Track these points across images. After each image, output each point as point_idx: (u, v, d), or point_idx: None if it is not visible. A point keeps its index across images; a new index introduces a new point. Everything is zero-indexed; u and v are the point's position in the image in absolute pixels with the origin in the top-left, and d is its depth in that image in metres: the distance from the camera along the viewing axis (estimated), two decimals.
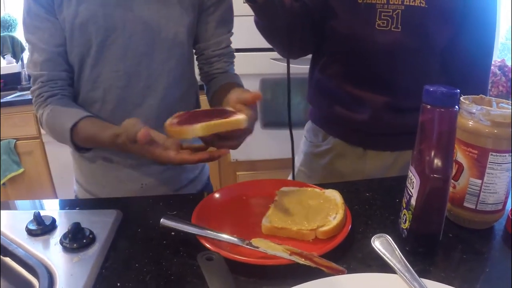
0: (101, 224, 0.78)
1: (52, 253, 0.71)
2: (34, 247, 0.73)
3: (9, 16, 3.48)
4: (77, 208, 0.89)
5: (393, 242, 0.63)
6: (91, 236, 0.74)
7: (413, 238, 0.67)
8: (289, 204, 0.78)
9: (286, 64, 0.95)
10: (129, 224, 0.80)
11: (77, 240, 0.72)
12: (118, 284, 0.63)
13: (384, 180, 0.98)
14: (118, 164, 1.04)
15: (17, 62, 3.43)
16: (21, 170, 3.03)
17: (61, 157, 2.96)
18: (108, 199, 0.95)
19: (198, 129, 0.72)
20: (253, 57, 2.54)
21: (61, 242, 0.73)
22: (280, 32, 1.03)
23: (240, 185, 0.90)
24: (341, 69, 1.11)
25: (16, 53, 3.35)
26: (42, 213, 0.80)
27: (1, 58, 3.45)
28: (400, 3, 0.96)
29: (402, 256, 0.60)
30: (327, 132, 1.19)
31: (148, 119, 1.00)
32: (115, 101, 1.00)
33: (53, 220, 0.80)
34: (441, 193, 0.63)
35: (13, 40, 3.35)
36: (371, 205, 0.84)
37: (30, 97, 3.06)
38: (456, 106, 0.61)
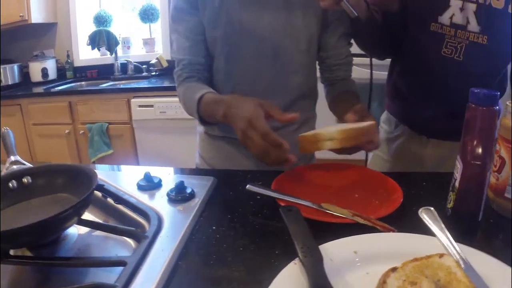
0: (200, 186, 0.97)
1: (159, 203, 0.90)
2: (142, 198, 0.93)
3: (104, 12, 3.80)
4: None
5: (436, 213, 0.77)
6: (192, 192, 0.93)
7: (456, 216, 0.80)
8: None
9: (368, 70, 1.09)
10: (223, 188, 0.99)
11: (181, 193, 0.92)
12: (214, 228, 0.82)
13: (442, 174, 1.08)
14: (238, 143, 1.20)
15: (111, 54, 3.73)
16: (111, 151, 3.33)
17: (148, 141, 3.26)
18: (205, 170, 1.15)
19: (335, 132, 0.87)
20: None
21: (168, 195, 0.92)
22: (368, 39, 1.19)
23: (314, 165, 1.07)
24: (411, 78, 1.27)
25: (111, 46, 3.65)
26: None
27: (97, 50, 3.79)
28: (465, 38, 1.09)
29: (442, 224, 0.73)
30: (399, 120, 1.36)
31: None
32: (243, 94, 1.12)
33: (160, 180, 1.00)
34: (479, 178, 0.76)
35: (109, 34, 3.64)
36: (427, 191, 0.95)
37: (122, 86, 3.41)
38: (497, 106, 0.73)
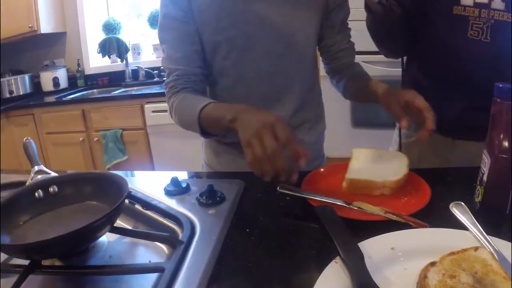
0: (229, 189, 0.97)
1: (189, 208, 0.90)
2: (171, 204, 0.93)
3: (113, 20, 3.82)
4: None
5: (466, 207, 0.79)
6: (222, 196, 0.94)
7: (484, 209, 0.81)
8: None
9: (376, 67, 1.10)
10: (251, 191, 1.00)
11: (211, 197, 0.92)
12: (247, 230, 0.83)
13: (466, 169, 1.07)
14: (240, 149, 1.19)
15: (122, 61, 3.76)
16: (125, 157, 3.35)
17: (163, 146, 3.28)
18: (229, 173, 1.16)
19: (389, 182, 0.92)
20: None
21: (198, 199, 0.93)
22: (385, 34, 1.19)
23: (340, 164, 1.07)
24: (433, 69, 1.23)
25: (121, 53, 3.67)
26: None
27: (107, 57, 3.83)
28: (490, 17, 1.06)
29: (473, 218, 0.75)
30: None
31: (287, 111, 1.15)
32: (257, 98, 1.12)
33: (188, 184, 1.00)
34: (507, 170, 0.77)
35: (119, 41, 3.67)
36: (452, 186, 0.96)
37: (134, 92, 3.42)
38: None
